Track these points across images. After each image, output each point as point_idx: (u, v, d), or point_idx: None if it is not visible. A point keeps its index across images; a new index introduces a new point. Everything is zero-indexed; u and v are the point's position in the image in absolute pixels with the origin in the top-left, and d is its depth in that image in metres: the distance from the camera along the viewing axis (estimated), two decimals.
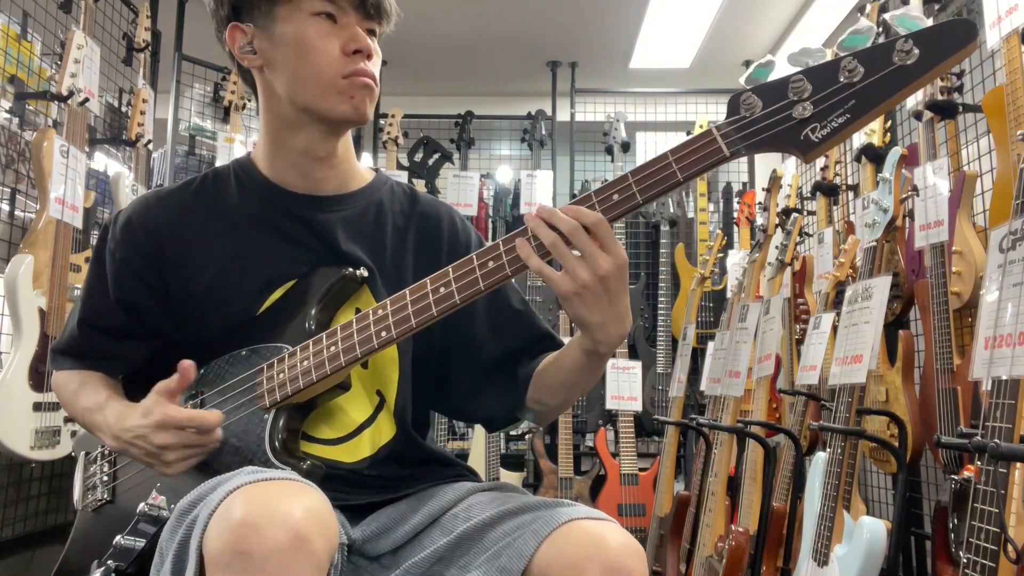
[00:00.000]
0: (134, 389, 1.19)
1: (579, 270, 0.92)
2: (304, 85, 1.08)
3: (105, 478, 1.21)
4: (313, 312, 1.09)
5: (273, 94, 1.12)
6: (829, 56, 0.88)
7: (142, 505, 1.09)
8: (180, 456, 1.03)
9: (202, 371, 1.13)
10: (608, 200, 0.92)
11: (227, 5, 1.12)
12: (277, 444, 1.03)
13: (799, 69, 0.88)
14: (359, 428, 1.12)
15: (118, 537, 1.07)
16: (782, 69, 0.90)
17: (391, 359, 1.14)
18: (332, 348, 1.03)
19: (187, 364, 1.04)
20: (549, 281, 0.94)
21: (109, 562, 1.04)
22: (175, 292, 1.13)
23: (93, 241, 2.80)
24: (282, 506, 0.80)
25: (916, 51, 0.83)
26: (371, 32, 1.11)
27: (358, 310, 1.13)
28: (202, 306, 1.12)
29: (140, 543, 1.05)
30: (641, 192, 0.91)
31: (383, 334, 1.00)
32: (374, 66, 1.11)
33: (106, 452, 1.23)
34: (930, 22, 0.86)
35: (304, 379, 1.03)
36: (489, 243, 1.26)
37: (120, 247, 1.14)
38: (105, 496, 1.19)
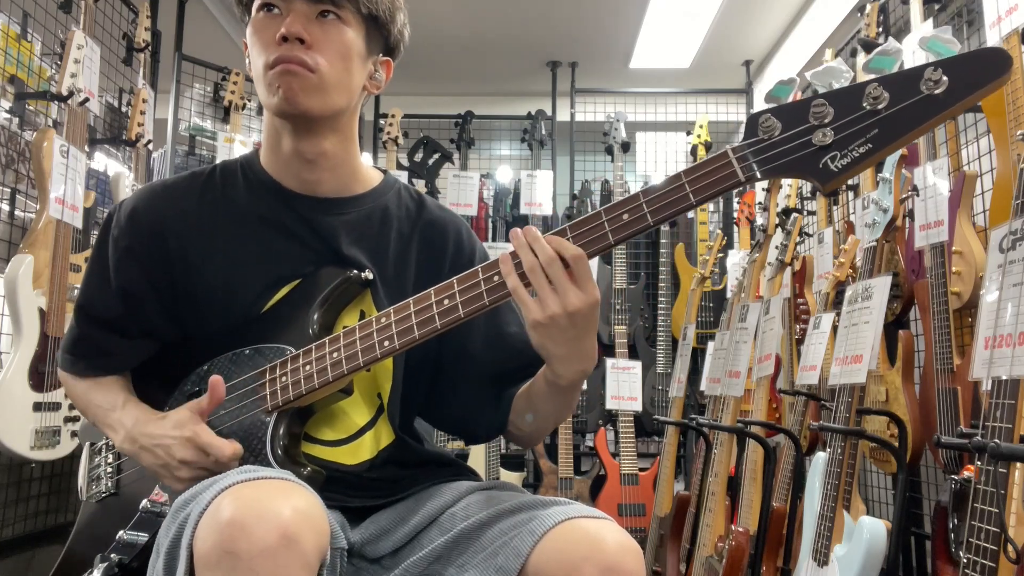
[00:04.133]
0: (138, 384, 1.19)
1: (549, 300, 0.92)
2: (256, 83, 1.08)
3: (109, 470, 1.21)
4: (316, 315, 1.08)
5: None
6: (850, 74, 0.85)
7: (145, 501, 1.09)
8: (192, 475, 1.02)
9: (205, 367, 1.13)
10: (618, 220, 0.91)
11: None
12: (280, 450, 1.03)
13: (821, 88, 0.85)
14: (360, 431, 1.12)
15: (121, 532, 1.07)
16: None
17: (385, 366, 1.14)
18: (335, 354, 1.02)
19: (216, 380, 1.04)
20: (522, 304, 0.94)
21: (112, 556, 1.05)
22: (179, 286, 1.12)
23: (93, 241, 2.80)
24: (271, 506, 0.80)
25: (945, 80, 0.79)
26: (329, 14, 1.05)
27: (363, 313, 1.13)
28: (206, 301, 1.11)
29: (143, 538, 1.05)
30: (652, 214, 0.90)
31: (386, 343, 1.00)
32: (316, 51, 1.03)
33: (111, 444, 1.23)
34: (959, 47, 0.83)
35: (307, 384, 1.03)
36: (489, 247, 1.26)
37: (125, 235, 1.13)
38: (109, 488, 1.19)
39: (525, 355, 1.17)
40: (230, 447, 1.02)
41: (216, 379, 1.04)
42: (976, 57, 0.79)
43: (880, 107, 0.82)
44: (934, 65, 0.80)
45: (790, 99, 0.88)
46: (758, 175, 0.87)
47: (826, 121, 0.84)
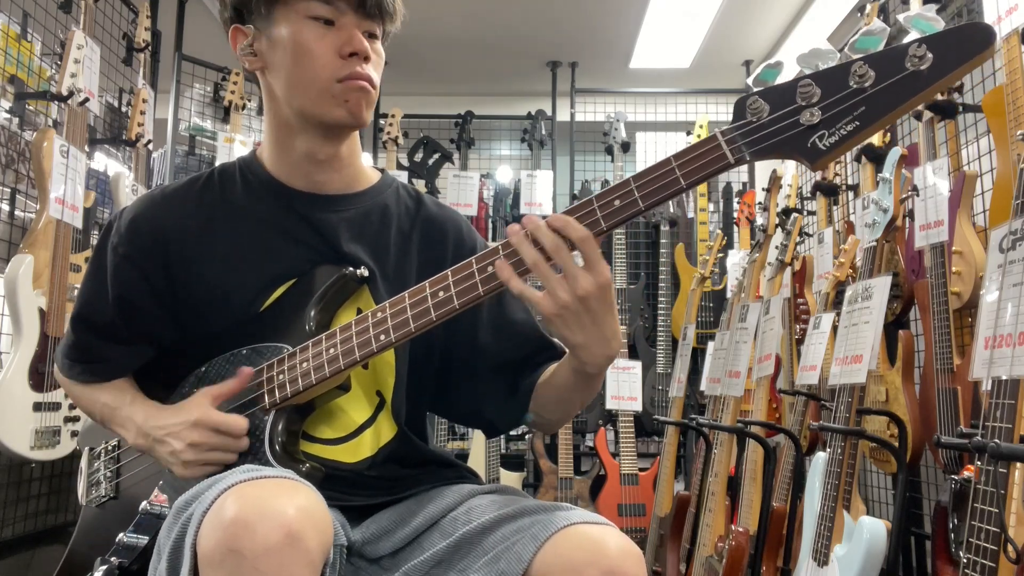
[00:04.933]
0: (139, 387, 1.19)
1: (559, 290, 0.91)
2: (300, 89, 1.07)
3: (109, 474, 1.21)
4: (313, 313, 1.09)
5: (274, 96, 1.12)
6: (839, 58, 0.86)
7: (144, 503, 1.09)
8: (198, 458, 1.03)
9: (203, 369, 1.13)
10: (610, 206, 0.91)
11: (229, 7, 1.11)
12: (277, 446, 1.03)
13: (808, 71, 0.85)
14: (360, 428, 1.12)
15: (121, 534, 1.07)
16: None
17: (387, 362, 1.14)
18: (331, 350, 1.03)
19: (247, 370, 1.07)
20: (531, 302, 0.93)
21: (112, 559, 1.05)
22: (179, 290, 1.13)
23: (93, 241, 2.80)
24: (275, 504, 0.80)
25: (930, 56, 0.80)
26: (371, 34, 1.09)
27: (360, 310, 1.13)
28: (205, 303, 1.12)
29: (143, 540, 1.05)
30: (643, 198, 0.90)
31: (382, 337, 1.00)
32: (373, 68, 1.08)
33: (110, 448, 1.23)
34: (943, 25, 0.83)
35: (303, 381, 1.03)
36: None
37: (124, 243, 1.13)
38: (109, 492, 1.19)
39: (534, 341, 1.20)
40: (241, 420, 1.04)
41: (247, 369, 1.07)
42: (959, 32, 0.80)
43: (866, 85, 0.82)
44: (918, 41, 0.81)
45: (777, 82, 0.88)
46: (747, 157, 0.87)
47: (813, 101, 0.84)
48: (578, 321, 0.93)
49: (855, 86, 0.83)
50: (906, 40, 0.83)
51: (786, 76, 0.88)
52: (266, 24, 1.08)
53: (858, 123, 0.83)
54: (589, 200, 0.92)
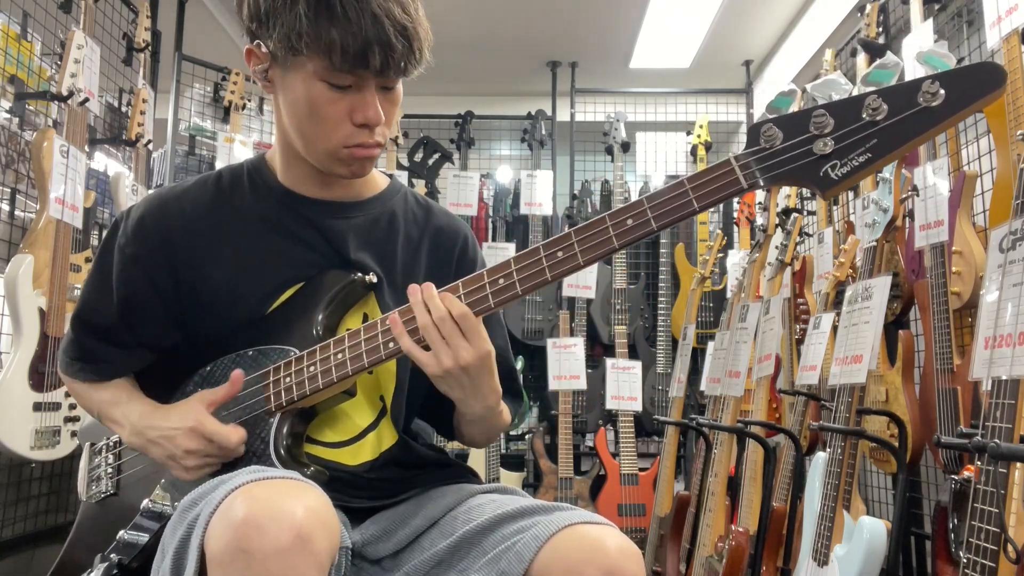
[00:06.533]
0: (141, 385, 1.19)
1: (443, 356, 0.98)
2: (307, 143, 1.06)
3: (110, 470, 1.21)
4: (320, 317, 1.09)
5: (282, 122, 1.09)
6: (853, 90, 0.87)
7: (146, 501, 1.09)
8: (199, 463, 1.04)
9: (208, 368, 1.13)
10: (622, 225, 0.93)
11: (246, 22, 1.05)
12: (282, 449, 1.03)
13: (822, 102, 0.87)
14: (362, 433, 1.12)
15: (121, 532, 1.07)
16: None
17: (389, 368, 1.14)
18: (339, 356, 1.03)
19: (238, 374, 1.07)
20: (419, 362, 0.99)
21: (112, 556, 1.05)
22: (184, 291, 1.13)
23: (93, 241, 2.80)
24: (284, 505, 0.80)
25: (942, 93, 0.81)
26: (388, 88, 1.06)
27: (366, 316, 1.13)
28: (211, 305, 1.12)
29: (144, 538, 1.05)
30: (656, 219, 0.92)
31: (390, 345, 1.01)
32: (383, 127, 1.05)
33: (111, 444, 1.23)
34: (954, 61, 0.85)
35: (311, 385, 1.04)
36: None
37: (131, 244, 1.13)
38: (109, 488, 1.19)
39: (501, 373, 1.18)
40: (235, 434, 1.04)
41: (237, 373, 1.07)
42: (972, 71, 0.82)
43: (879, 118, 0.84)
44: (931, 78, 0.82)
45: (791, 110, 0.89)
46: (760, 183, 0.88)
47: (826, 131, 0.86)
48: (459, 383, 1.01)
49: (868, 118, 0.84)
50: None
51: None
52: (282, 66, 1.03)
53: (870, 155, 0.84)
54: (602, 218, 0.93)
